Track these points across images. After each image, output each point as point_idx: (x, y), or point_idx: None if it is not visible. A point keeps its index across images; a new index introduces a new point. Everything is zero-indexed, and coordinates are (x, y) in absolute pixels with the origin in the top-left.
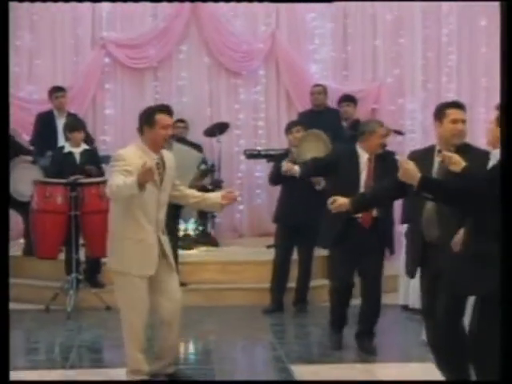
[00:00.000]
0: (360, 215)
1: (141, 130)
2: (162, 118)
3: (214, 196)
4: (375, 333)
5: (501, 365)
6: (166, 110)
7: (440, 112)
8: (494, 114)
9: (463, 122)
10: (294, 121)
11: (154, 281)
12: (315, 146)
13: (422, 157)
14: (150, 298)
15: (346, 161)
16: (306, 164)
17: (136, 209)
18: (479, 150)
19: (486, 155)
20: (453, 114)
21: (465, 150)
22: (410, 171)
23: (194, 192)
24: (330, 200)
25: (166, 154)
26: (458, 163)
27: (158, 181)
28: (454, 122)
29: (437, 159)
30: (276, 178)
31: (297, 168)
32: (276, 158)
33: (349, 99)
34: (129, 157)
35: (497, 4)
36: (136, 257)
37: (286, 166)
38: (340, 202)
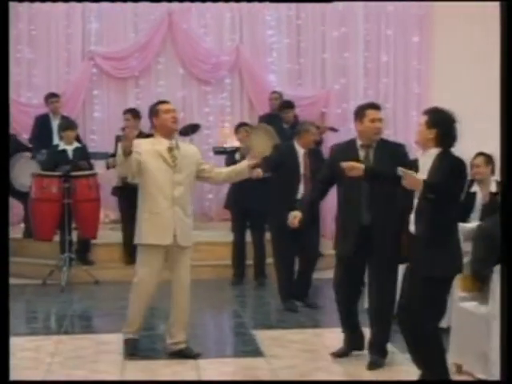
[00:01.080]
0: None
1: (152, 124)
2: (163, 106)
3: (241, 164)
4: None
5: (502, 365)
6: (166, 101)
7: (360, 112)
8: (422, 118)
9: (380, 120)
10: (241, 122)
11: (168, 257)
12: (263, 139)
13: (346, 149)
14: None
15: (288, 156)
16: (264, 165)
17: (152, 187)
18: (394, 143)
19: (400, 146)
20: (371, 114)
21: (383, 143)
22: (415, 179)
23: (221, 170)
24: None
25: (184, 143)
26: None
27: (171, 162)
28: (373, 121)
29: (361, 153)
30: None
31: (260, 171)
32: (227, 153)
33: (289, 106)
34: (140, 144)
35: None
36: (152, 228)
37: (256, 173)
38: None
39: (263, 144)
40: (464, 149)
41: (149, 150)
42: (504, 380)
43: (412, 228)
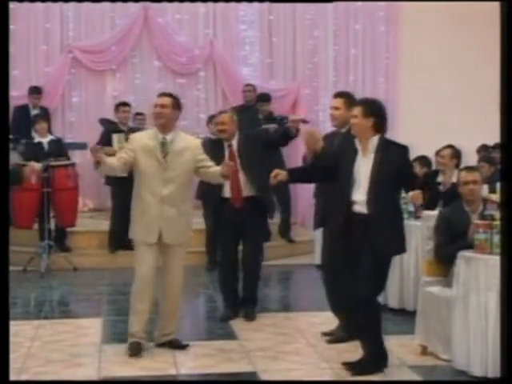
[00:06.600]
0: (230, 196)
1: None
2: (156, 99)
3: (216, 171)
4: (257, 299)
5: (502, 363)
6: (162, 93)
7: None
8: (356, 109)
9: (335, 108)
10: (213, 114)
11: (161, 254)
12: None
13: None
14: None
15: None
16: None
17: (142, 184)
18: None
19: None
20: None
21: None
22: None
23: (212, 169)
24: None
25: (179, 136)
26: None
27: (161, 159)
28: (330, 108)
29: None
30: None
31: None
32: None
33: (266, 99)
34: (136, 138)
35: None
36: (140, 225)
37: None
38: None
39: None
40: (429, 140)
41: (142, 145)
42: (504, 378)
43: (360, 208)
